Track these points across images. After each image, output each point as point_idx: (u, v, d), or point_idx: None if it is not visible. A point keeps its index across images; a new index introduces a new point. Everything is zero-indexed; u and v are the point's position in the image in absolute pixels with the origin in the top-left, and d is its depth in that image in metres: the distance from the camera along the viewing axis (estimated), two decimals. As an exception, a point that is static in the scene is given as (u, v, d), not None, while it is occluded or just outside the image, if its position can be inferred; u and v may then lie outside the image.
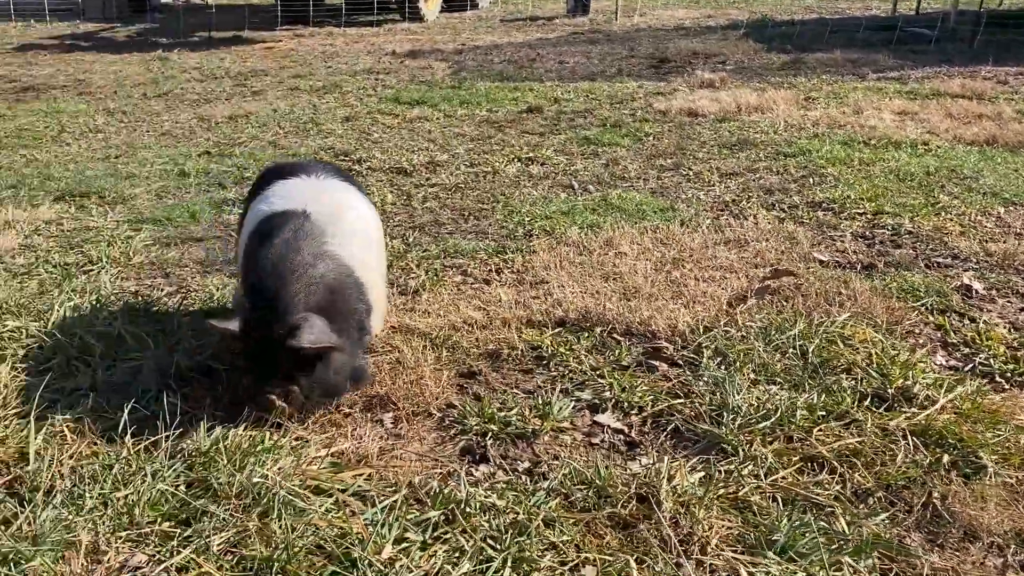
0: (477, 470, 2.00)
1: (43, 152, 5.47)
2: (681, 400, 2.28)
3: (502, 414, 2.20)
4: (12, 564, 1.59)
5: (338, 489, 1.87)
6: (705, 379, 2.35)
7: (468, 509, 1.76)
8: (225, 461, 1.91)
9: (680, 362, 2.49)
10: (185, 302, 2.98)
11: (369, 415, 2.24)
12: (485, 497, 1.81)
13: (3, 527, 1.73)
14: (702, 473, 1.95)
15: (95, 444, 2.02)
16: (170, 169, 4.91)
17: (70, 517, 1.73)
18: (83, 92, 8.09)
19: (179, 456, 1.94)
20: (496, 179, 4.64)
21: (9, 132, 6.09)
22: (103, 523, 1.73)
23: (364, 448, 2.06)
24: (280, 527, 1.69)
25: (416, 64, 9.17)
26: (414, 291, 3.05)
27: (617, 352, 2.54)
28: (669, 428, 2.17)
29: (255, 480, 1.83)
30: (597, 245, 3.48)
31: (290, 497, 1.78)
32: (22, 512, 1.77)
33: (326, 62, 9.51)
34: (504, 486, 1.88)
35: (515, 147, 5.33)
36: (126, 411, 2.07)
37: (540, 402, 2.26)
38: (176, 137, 5.86)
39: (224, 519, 1.72)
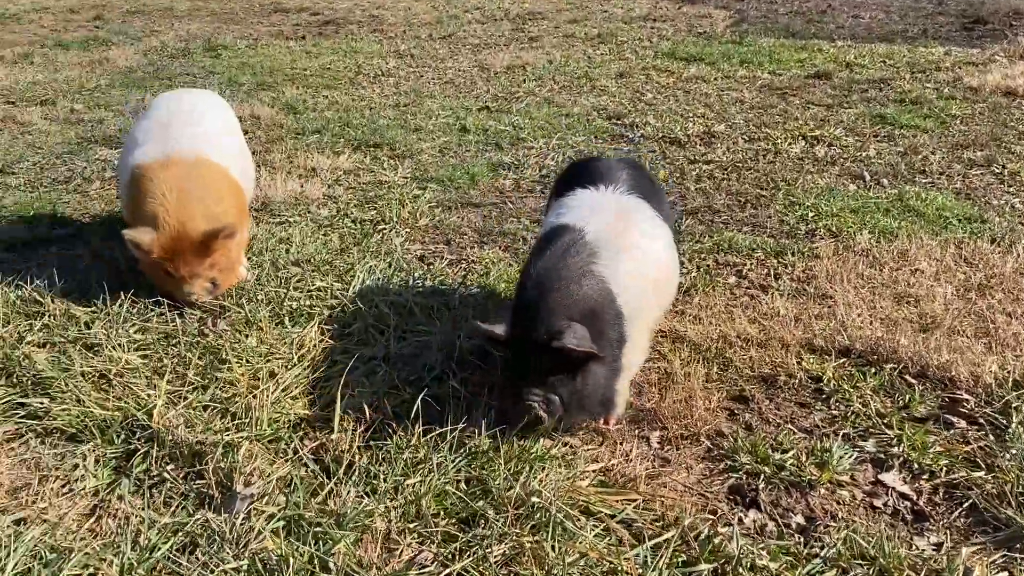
0: (747, 516, 1.94)
1: (342, 94, 5.94)
2: (982, 472, 2.05)
3: (776, 455, 2.11)
4: (320, 542, 1.79)
5: (606, 514, 1.90)
6: (1014, 451, 2.10)
7: (740, 569, 1.72)
8: (503, 464, 2.01)
9: (983, 421, 2.24)
10: (466, 276, 3.13)
11: (636, 430, 2.25)
12: (757, 557, 1.75)
13: (312, 497, 1.95)
14: (1006, 573, 1.75)
15: (388, 423, 2.20)
16: (452, 123, 5.13)
17: (367, 500, 1.91)
18: (376, 29, 8.64)
19: (461, 452, 2.07)
20: (777, 160, 4.37)
21: (314, 71, 6.66)
22: (395, 511, 1.89)
23: (631, 469, 2.07)
24: (553, 549, 1.76)
25: (695, 11, 8.80)
26: (685, 290, 2.98)
27: (908, 398, 2.33)
28: (966, 504, 1.97)
29: (531, 491, 1.90)
30: (890, 257, 3.19)
31: (561, 517, 1.84)
32: (326, 484, 1.99)
33: (602, 5, 9.41)
34: (777, 547, 1.81)
35: (799, 121, 4.99)
36: (419, 398, 2.22)
37: (818, 446, 2.14)
38: (458, 87, 6.11)
39: (502, 530, 1.81)
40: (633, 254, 2.14)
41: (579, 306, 2.01)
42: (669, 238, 2.32)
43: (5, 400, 2.30)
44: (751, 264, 3.19)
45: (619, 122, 5.11)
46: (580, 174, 2.46)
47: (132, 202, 2.79)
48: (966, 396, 2.33)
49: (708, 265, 3.19)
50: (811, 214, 3.63)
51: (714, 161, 4.37)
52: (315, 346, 2.57)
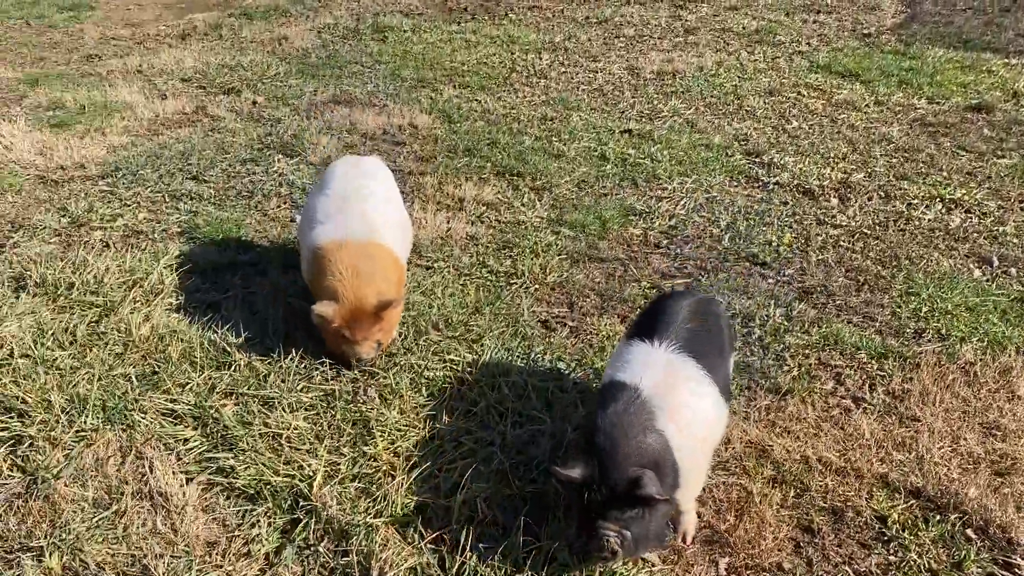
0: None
1: (494, 99, 6.27)
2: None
3: (825, 602, 2.41)
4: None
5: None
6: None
7: None
8: (586, 579, 2.42)
9: (1033, 591, 2.44)
10: (583, 355, 3.48)
11: (707, 553, 2.60)
12: None
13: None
14: None
15: (496, 522, 2.65)
16: (593, 149, 5.38)
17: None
18: (534, 6, 8.83)
19: (554, 565, 2.49)
20: (907, 229, 4.41)
21: (471, 66, 7.01)
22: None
23: (697, 597, 2.43)
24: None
25: None
26: (783, 393, 3.23)
27: (964, 555, 2.54)
28: None
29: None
30: (991, 374, 3.29)
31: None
32: None
33: (766, -13, 9.16)
34: None
35: (943, 174, 4.93)
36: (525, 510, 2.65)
37: (866, 597, 2.42)
38: (605, 96, 6.30)
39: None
40: (684, 413, 2.45)
41: (646, 457, 2.36)
42: (716, 395, 2.58)
43: (201, 452, 2.92)
44: (851, 369, 3.37)
45: (757, 160, 5.21)
46: (645, 322, 2.73)
47: (314, 277, 3.35)
48: (1022, 562, 2.52)
49: (810, 364, 3.40)
50: (924, 308, 3.72)
51: (843, 225, 4.45)
52: (445, 422, 3.04)
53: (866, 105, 5.98)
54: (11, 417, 3.01)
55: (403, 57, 7.26)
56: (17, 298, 3.70)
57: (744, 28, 7.80)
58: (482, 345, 3.45)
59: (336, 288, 3.25)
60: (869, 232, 4.38)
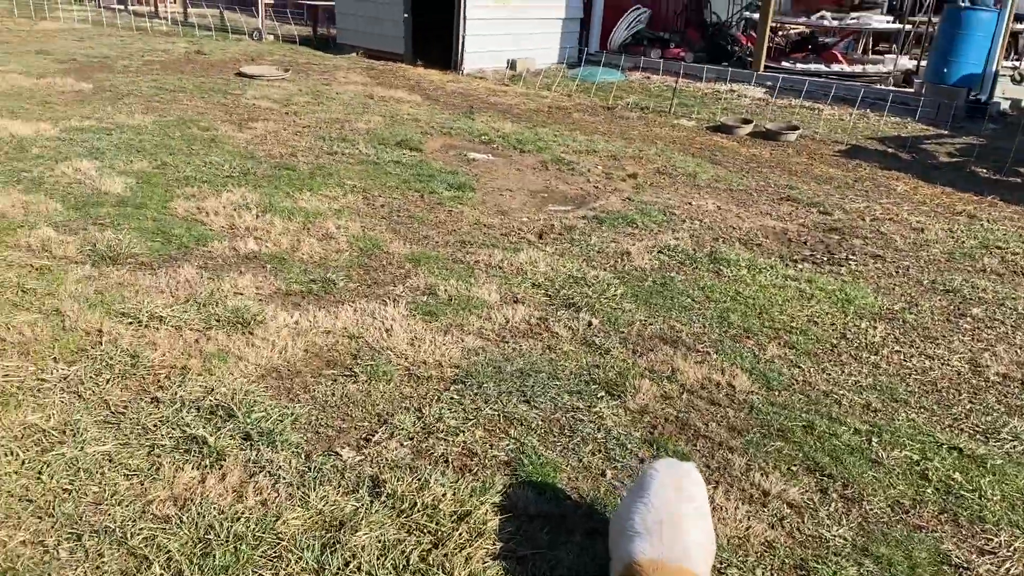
0: None
1: (817, 369, 6.30)
2: None
3: None
4: None
5: None
6: None
7: None
8: None
9: None
10: None
11: None
12: None
13: None
14: None
15: None
16: (915, 461, 5.19)
17: None
18: (877, 255, 8.72)
19: None
20: None
21: (800, 322, 7.10)
22: None
23: None
24: None
25: None
26: None
27: None
28: None
29: None
30: None
31: None
32: None
33: None
34: None
35: None
36: None
37: None
38: (938, 393, 6.04)
39: None
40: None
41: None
42: None
43: None
44: None
45: (1109, 526, 4.68)
46: None
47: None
48: None
49: None
50: None
51: None
52: None
53: None
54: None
55: (734, 299, 7.56)
56: (371, 504, 4.44)
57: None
58: None
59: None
60: None
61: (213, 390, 5.42)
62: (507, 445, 5.13)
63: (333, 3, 23.68)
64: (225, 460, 4.73)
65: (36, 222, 8.09)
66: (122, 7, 29.06)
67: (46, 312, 6.28)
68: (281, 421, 5.15)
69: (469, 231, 9.07)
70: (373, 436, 5.12)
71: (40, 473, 4.50)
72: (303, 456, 4.86)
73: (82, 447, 4.74)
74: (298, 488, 4.57)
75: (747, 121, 15.35)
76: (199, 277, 7.19)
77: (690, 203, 10.54)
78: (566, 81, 19.83)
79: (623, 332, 6.77)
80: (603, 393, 5.80)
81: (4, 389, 5.21)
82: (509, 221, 9.53)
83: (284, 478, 4.63)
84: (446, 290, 7.33)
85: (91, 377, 5.45)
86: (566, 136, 14.22)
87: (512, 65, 20.82)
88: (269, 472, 4.67)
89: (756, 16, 20.76)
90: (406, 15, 20.70)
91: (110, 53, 19.28)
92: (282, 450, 4.87)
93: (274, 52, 21.81)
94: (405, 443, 5.08)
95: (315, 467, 4.76)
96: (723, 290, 7.74)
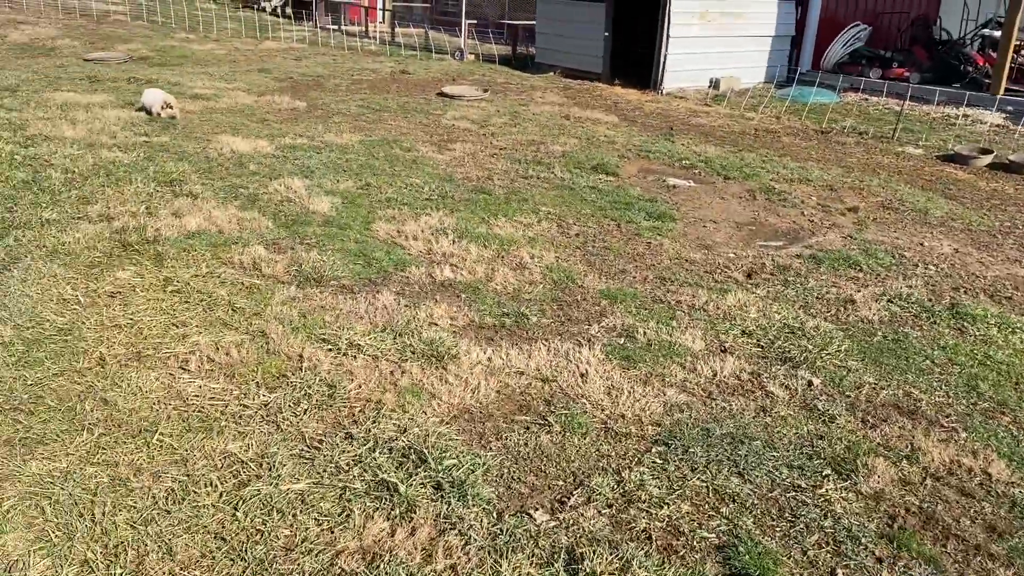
0: None
1: (1099, 464, 5.21)
2: None
3: None
4: None
5: None
6: None
7: None
8: None
9: None
10: None
11: None
12: None
13: None
14: None
15: None
16: None
17: None
18: None
19: None
20: None
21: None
22: None
23: None
24: None
25: None
26: None
27: None
28: None
29: None
30: None
31: None
32: None
33: None
34: None
35: None
36: None
37: None
38: None
39: None
40: None
41: None
42: None
43: None
44: None
45: None
46: None
47: None
48: None
49: None
50: None
51: None
52: None
53: None
54: None
55: (983, 363, 6.51)
56: (568, 581, 4.02)
57: None
58: None
59: None
60: None
61: (406, 430, 5.21)
62: (717, 525, 4.54)
63: (533, 23, 23.83)
64: (416, 512, 4.47)
65: (249, 239, 8.39)
66: (335, 27, 30.83)
67: (252, 333, 6.38)
68: (473, 471, 4.84)
69: (669, 266, 8.50)
70: (568, 499, 4.70)
71: (236, 509, 4.44)
72: (495, 515, 4.52)
73: (276, 483, 4.65)
74: (489, 553, 4.22)
75: (986, 151, 13.70)
76: (396, 304, 7.12)
77: (922, 244, 9.40)
78: (774, 102, 18.72)
79: (850, 396, 5.96)
80: (829, 471, 5.06)
81: (209, 414, 5.26)
82: (714, 256, 8.86)
83: (475, 539, 4.31)
84: (645, 333, 6.82)
85: (290, 406, 5.41)
86: (775, 162, 13.29)
87: (715, 84, 19.96)
88: (460, 531, 4.36)
89: (997, 34, 18.64)
90: (606, 34, 20.40)
91: (323, 72, 20.34)
92: (473, 506, 4.56)
93: (474, 72, 22.21)
94: (603, 511, 4.62)
95: (507, 529, 4.40)
96: (969, 352, 6.70)
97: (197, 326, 6.44)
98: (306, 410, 5.38)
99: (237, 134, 13.01)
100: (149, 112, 13.70)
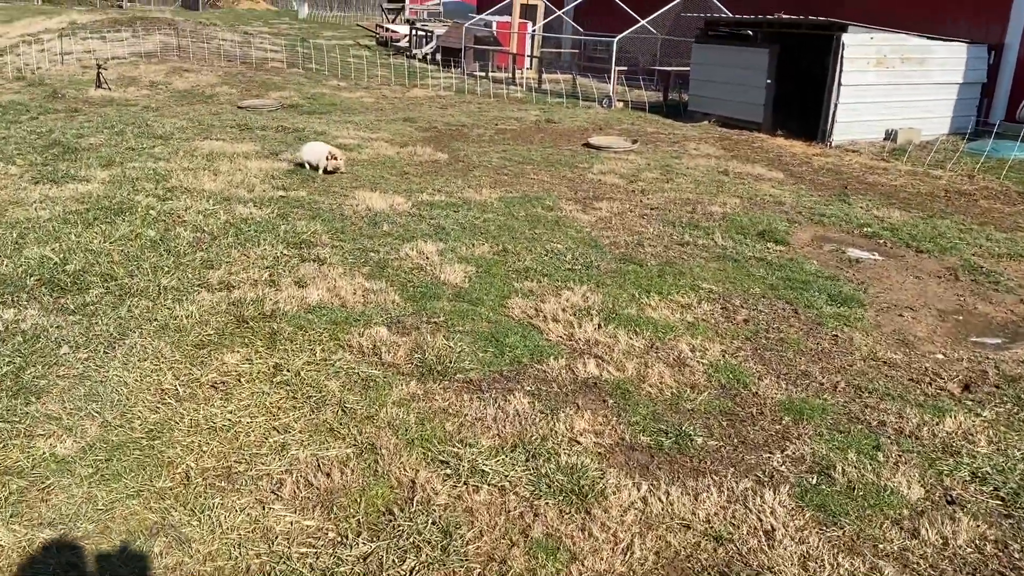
0: None
1: None
2: None
3: None
4: None
5: None
6: None
7: None
8: None
9: None
10: None
11: None
12: None
13: None
14: None
15: None
16: None
17: None
18: None
19: None
20: None
21: None
22: None
23: None
24: None
25: None
26: None
27: None
28: None
29: None
30: None
31: None
32: None
33: None
34: None
35: None
36: None
37: None
38: None
39: None
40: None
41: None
42: None
43: None
44: None
45: None
46: None
47: None
48: None
49: None
50: None
51: None
52: None
53: None
54: None
55: None
56: None
57: None
58: None
59: None
60: None
61: (536, 610, 4.03)
62: None
63: (687, 68, 22.53)
64: None
65: (372, 316, 7.52)
66: (483, 74, 30.63)
67: (360, 446, 5.40)
68: None
69: (864, 370, 6.95)
70: None
71: None
72: None
73: None
74: None
75: None
76: (531, 409, 5.99)
77: None
78: (964, 157, 16.50)
79: None
80: None
81: (295, 568, 4.26)
82: (917, 358, 7.23)
83: None
84: (844, 470, 5.35)
85: (393, 563, 4.34)
86: (975, 231, 11.37)
87: (892, 136, 17.92)
88: None
89: None
90: (769, 81, 18.82)
91: (466, 121, 19.80)
92: None
93: (622, 120, 21.10)
94: None
95: None
96: None
97: (300, 431, 5.54)
98: (413, 569, 4.29)
99: (375, 189, 12.41)
100: (315, 168, 13.26)
